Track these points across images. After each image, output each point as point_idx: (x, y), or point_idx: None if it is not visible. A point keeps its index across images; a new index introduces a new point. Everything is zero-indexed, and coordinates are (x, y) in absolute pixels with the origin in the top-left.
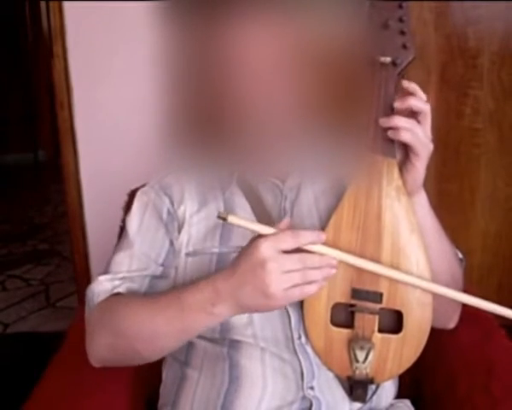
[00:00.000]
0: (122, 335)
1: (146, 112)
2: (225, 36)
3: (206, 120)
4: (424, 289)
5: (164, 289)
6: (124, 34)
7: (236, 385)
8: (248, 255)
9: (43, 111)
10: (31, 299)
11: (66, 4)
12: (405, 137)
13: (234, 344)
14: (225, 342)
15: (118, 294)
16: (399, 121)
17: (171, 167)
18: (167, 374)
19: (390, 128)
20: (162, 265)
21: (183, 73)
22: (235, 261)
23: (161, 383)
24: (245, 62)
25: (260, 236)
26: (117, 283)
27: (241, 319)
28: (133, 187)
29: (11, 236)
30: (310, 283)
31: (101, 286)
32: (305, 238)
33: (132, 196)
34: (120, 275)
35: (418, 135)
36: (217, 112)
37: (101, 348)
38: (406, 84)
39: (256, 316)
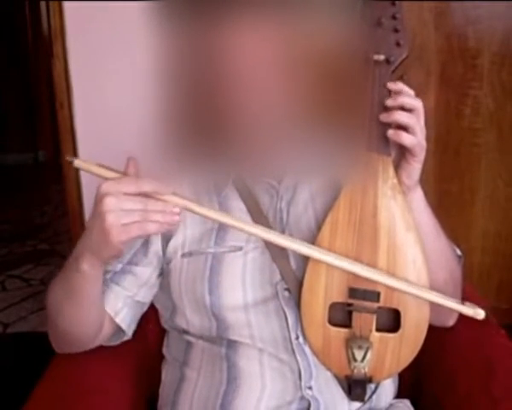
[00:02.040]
0: (48, 312)
1: (146, 112)
2: (220, 37)
3: (202, 121)
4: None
5: (129, 284)
6: (123, 34)
7: (235, 386)
8: (94, 202)
9: (43, 111)
10: (31, 299)
11: (66, 4)
12: (406, 139)
13: (232, 345)
14: (223, 342)
15: None
16: (400, 116)
17: (167, 170)
18: (166, 374)
19: (389, 124)
20: (128, 263)
21: (182, 74)
22: None
23: (161, 384)
24: (240, 63)
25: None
26: None
27: (237, 319)
28: None
29: (11, 236)
30: (150, 222)
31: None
32: (148, 185)
33: None
34: None
35: (417, 134)
36: (213, 113)
37: (49, 331)
38: (393, 85)
39: (253, 316)
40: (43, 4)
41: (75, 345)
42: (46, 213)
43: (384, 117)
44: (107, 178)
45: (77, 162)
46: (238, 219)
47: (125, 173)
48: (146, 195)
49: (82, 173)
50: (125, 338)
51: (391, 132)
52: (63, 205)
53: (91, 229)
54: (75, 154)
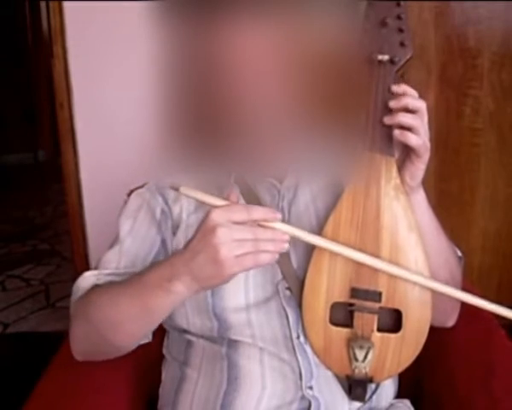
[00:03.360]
0: (92, 323)
1: (145, 111)
2: (221, 36)
3: (203, 121)
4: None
5: None
6: (123, 34)
7: (235, 385)
8: (200, 226)
9: (43, 111)
10: (31, 299)
11: (66, 4)
12: (412, 140)
13: (232, 344)
14: (224, 341)
15: (96, 286)
16: (404, 118)
17: (168, 170)
18: (166, 374)
19: (392, 126)
20: (152, 263)
21: (182, 73)
22: (190, 238)
23: (161, 384)
24: (241, 62)
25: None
26: (102, 278)
27: (239, 319)
28: (133, 187)
29: (11, 236)
30: (262, 252)
31: (86, 281)
32: (258, 213)
33: None
34: (107, 271)
35: (421, 135)
36: (214, 112)
37: (78, 339)
38: (396, 88)
39: (254, 316)
40: (43, 4)
41: (113, 355)
42: (46, 213)
43: (388, 119)
44: (214, 206)
45: (183, 189)
46: (349, 248)
47: (229, 200)
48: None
49: (82, 173)
50: (146, 341)
51: (397, 132)
52: (63, 205)
53: (197, 256)
54: (75, 154)
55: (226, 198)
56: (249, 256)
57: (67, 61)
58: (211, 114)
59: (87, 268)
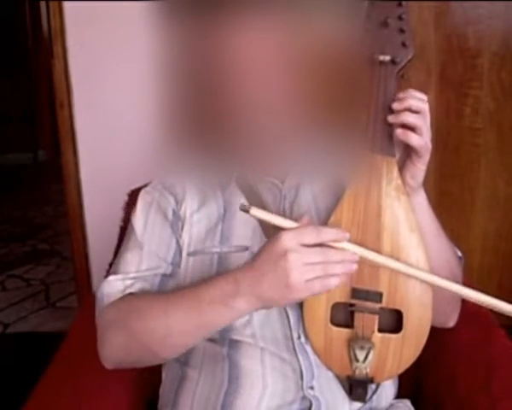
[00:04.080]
0: (136, 334)
1: (146, 112)
2: (222, 36)
3: (205, 120)
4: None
5: (173, 287)
6: (124, 34)
7: (236, 385)
8: (269, 247)
9: (43, 111)
10: (31, 299)
11: (66, 4)
12: (414, 140)
13: (233, 344)
14: (225, 342)
15: (130, 294)
16: (408, 117)
17: (171, 168)
18: (167, 374)
19: (394, 126)
20: (171, 263)
21: (182, 73)
22: (255, 256)
23: (161, 384)
24: (242, 63)
25: (282, 230)
26: (128, 282)
27: (240, 320)
28: (133, 187)
29: (11, 236)
30: (331, 276)
31: (112, 287)
32: (328, 235)
33: (132, 196)
34: (131, 275)
35: (424, 135)
36: (215, 112)
37: (115, 349)
38: (402, 94)
39: (255, 316)
40: (43, 4)
41: (151, 363)
42: (46, 213)
43: (392, 118)
44: (284, 228)
45: (253, 211)
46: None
47: (300, 222)
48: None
49: (82, 173)
50: None
51: (399, 132)
52: (63, 205)
53: (265, 277)
54: (75, 154)
55: (298, 221)
56: (318, 281)
57: (67, 61)
58: (212, 114)
59: (87, 268)
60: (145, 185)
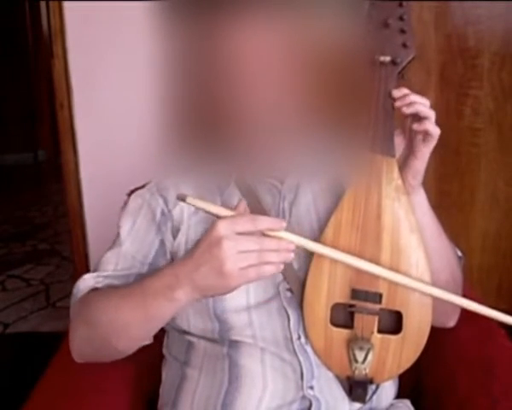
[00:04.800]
0: (94, 326)
1: (146, 112)
2: (223, 36)
3: (205, 121)
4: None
5: None
6: (124, 34)
7: (236, 385)
8: (206, 236)
9: (43, 111)
10: (31, 299)
11: (66, 4)
12: (430, 126)
13: (233, 344)
14: (225, 342)
15: (96, 289)
16: (422, 107)
17: (169, 170)
18: (167, 374)
19: (393, 126)
20: (150, 264)
21: (182, 73)
22: (194, 246)
23: (161, 384)
24: (243, 63)
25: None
26: (100, 279)
27: (240, 320)
28: (133, 187)
29: (11, 236)
30: (266, 264)
31: (85, 283)
32: (263, 223)
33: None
34: (105, 273)
35: (433, 122)
36: (215, 113)
37: (79, 341)
38: (397, 92)
39: (255, 316)
40: (43, 4)
41: (113, 357)
42: (46, 213)
43: (405, 109)
44: (219, 216)
45: (189, 199)
46: (352, 256)
47: (236, 211)
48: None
49: (82, 173)
50: (148, 342)
51: (416, 126)
52: (63, 205)
53: (200, 267)
54: (75, 153)
55: (233, 208)
56: (253, 268)
57: (67, 61)
58: (212, 115)
59: (87, 268)
60: (144, 186)
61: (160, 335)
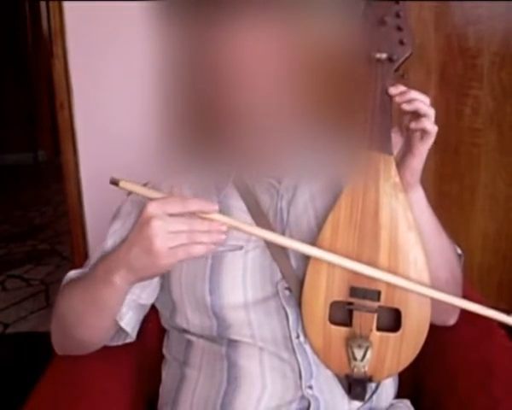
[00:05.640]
0: (59, 317)
1: (146, 112)
2: (221, 36)
3: (203, 121)
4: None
5: (133, 287)
6: (124, 34)
7: (235, 385)
8: (138, 219)
9: (43, 111)
10: (31, 299)
11: (66, 4)
12: (428, 124)
13: (232, 344)
14: (223, 341)
15: (71, 280)
16: (422, 105)
17: (168, 170)
18: (167, 374)
19: (390, 123)
20: None
21: (182, 73)
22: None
23: (161, 383)
24: (240, 63)
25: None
26: (79, 272)
27: (238, 318)
28: None
29: (11, 236)
30: (196, 244)
31: (67, 279)
32: (194, 205)
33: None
34: (87, 269)
35: (432, 121)
36: (213, 113)
37: (53, 334)
38: (393, 89)
39: (254, 315)
40: (43, 4)
41: (82, 349)
42: (46, 213)
43: (406, 105)
44: (151, 199)
45: (122, 183)
46: (284, 237)
47: (168, 194)
48: (191, 214)
49: (82, 173)
50: (129, 340)
51: (413, 124)
52: (63, 205)
53: (132, 248)
54: (75, 153)
55: (169, 193)
56: (182, 248)
57: (67, 61)
58: (210, 115)
59: None
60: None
61: (161, 335)
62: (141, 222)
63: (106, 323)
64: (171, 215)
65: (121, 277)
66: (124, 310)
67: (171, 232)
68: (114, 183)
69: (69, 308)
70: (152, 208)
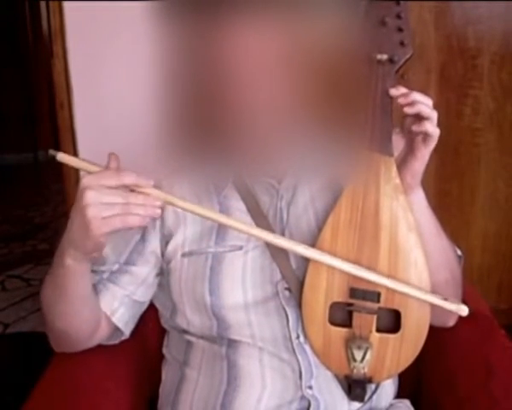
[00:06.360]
0: (42, 312)
1: (146, 112)
2: (221, 37)
3: (203, 121)
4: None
5: (126, 283)
6: (124, 34)
7: (235, 385)
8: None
9: (43, 111)
10: (31, 299)
11: (66, 4)
12: (429, 127)
13: (232, 344)
14: (223, 341)
15: None
16: (424, 107)
17: (168, 170)
18: (167, 374)
19: (391, 124)
20: (125, 263)
21: (182, 73)
22: None
23: (161, 384)
24: (240, 63)
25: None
26: None
27: (238, 318)
28: None
29: (11, 236)
30: (131, 215)
31: None
32: (129, 178)
33: None
34: None
35: (435, 124)
36: (214, 113)
37: (46, 330)
38: (394, 91)
39: (254, 316)
40: (43, 4)
41: (72, 344)
42: (46, 213)
43: (407, 109)
44: (89, 172)
45: (60, 156)
46: (218, 213)
47: (106, 168)
48: (127, 188)
49: (82, 173)
50: (123, 337)
51: (415, 127)
52: (63, 205)
53: (72, 223)
54: (75, 154)
55: (106, 167)
56: (118, 217)
57: (67, 61)
58: (211, 115)
59: None
60: None
61: (161, 335)
62: (77, 196)
63: (80, 311)
64: (107, 188)
65: (71, 256)
66: (115, 305)
67: (105, 203)
68: (52, 156)
69: (45, 301)
70: (87, 180)
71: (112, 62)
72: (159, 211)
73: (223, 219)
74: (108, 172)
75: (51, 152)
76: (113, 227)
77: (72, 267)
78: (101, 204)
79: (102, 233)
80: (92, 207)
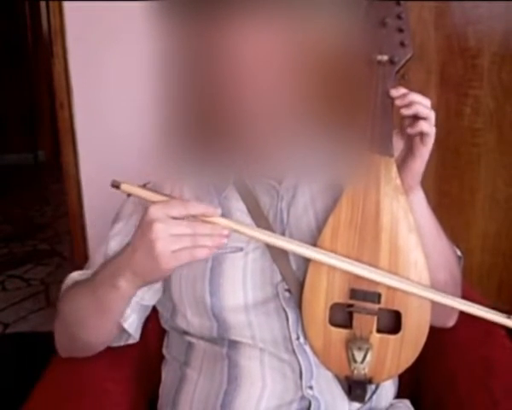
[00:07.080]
0: (64, 319)
1: (146, 112)
2: (222, 37)
3: (203, 121)
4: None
5: None
6: (124, 34)
7: (235, 385)
8: (140, 222)
9: (43, 111)
10: (31, 299)
11: (66, 4)
12: (425, 126)
13: (233, 345)
14: (224, 342)
15: (76, 282)
16: (421, 108)
17: (168, 171)
18: (167, 374)
19: (391, 125)
20: None
21: (182, 73)
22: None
23: (161, 384)
24: (241, 63)
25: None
26: (84, 277)
27: (238, 320)
28: None
29: (11, 236)
30: (199, 247)
31: (70, 280)
32: (196, 208)
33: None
34: (89, 271)
35: (432, 124)
36: (214, 113)
37: (58, 336)
38: (395, 92)
39: (254, 317)
40: (43, 4)
41: (87, 351)
42: (46, 213)
43: (404, 111)
44: (153, 202)
45: (123, 187)
46: (288, 239)
47: (170, 196)
48: (193, 218)
49: (82, 173)
50: (132, 341)
51: (409, 130)
52: (63, 205)
53: (136, 251)
54: (75, 154)
55: (170, 195)
56: (186, 251)
57: (67, 61)
58: (211, 115)
59: None
60: (143, 186)
61: (161, 335)
62: (143, 226)
63: (111, 325)
64: (173, 218)
65: (127, 280)
66: (128, 312)
67: (174, 235)
68: (116, 186)
69: (74, 312)
70: (154, 211)
71: (112, 62)
72: (225, 240)
73: (288, 245)
74: (175, 201)
75: (114, 182)
76: (181, 262)
77: (125, 290)
78: (169, 236)
79: (171, 268)
80: (161, 241)
